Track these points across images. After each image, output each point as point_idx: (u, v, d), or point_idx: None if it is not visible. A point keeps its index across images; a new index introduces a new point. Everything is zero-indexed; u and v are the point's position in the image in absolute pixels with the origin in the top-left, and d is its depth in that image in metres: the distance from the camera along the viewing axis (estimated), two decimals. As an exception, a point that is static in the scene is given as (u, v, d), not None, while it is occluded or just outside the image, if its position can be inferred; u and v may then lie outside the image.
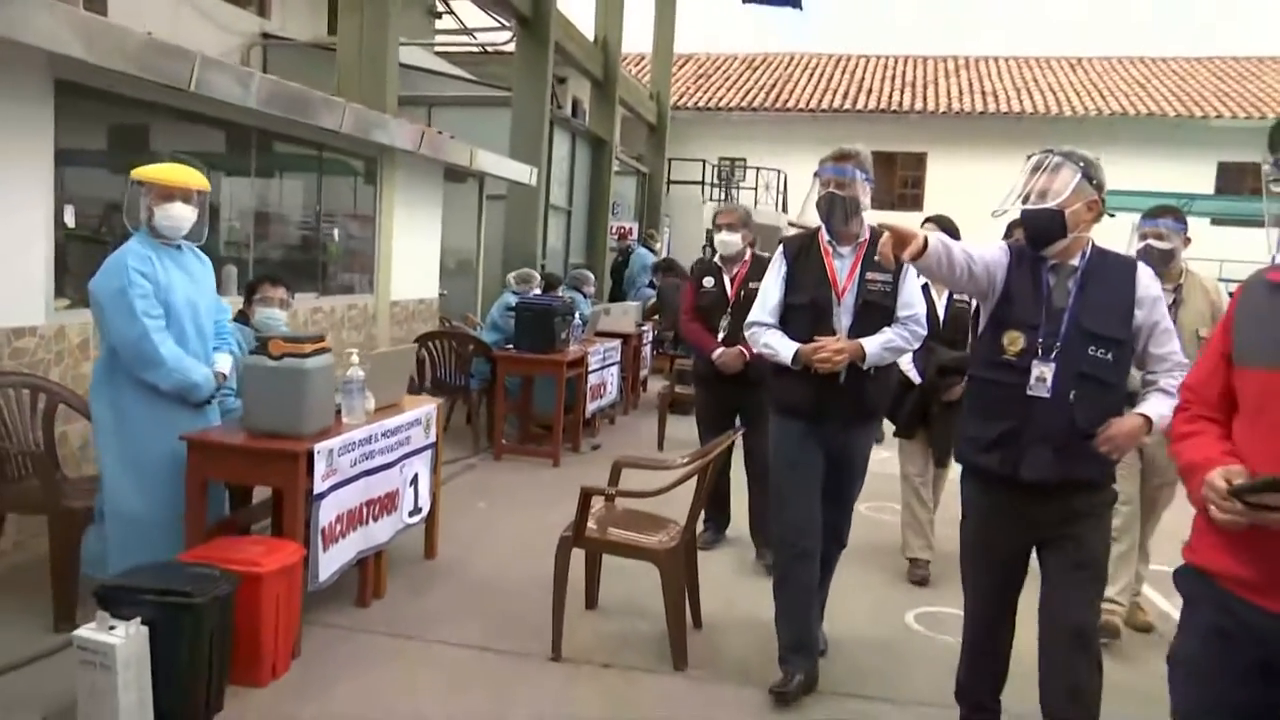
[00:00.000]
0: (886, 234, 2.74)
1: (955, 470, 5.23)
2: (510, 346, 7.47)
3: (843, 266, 3.67)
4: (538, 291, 8.29)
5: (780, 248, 3.86)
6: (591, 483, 4.00)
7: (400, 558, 4.73)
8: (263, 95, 5.68)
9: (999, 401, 2.89)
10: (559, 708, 3.52)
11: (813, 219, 3.82)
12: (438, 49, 14.74)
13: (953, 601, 4.61)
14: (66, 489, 4.06)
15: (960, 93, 23.81)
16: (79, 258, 4.96)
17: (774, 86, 24.98)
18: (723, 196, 21.95)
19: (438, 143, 8.26)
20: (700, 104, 23.97)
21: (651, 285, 13.03)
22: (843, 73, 25.99)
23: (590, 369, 7.76)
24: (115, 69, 4.53)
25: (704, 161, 20.80)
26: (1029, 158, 2.97)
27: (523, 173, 10.35)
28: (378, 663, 3.76)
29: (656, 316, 11.19)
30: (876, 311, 3.62)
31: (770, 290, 3.76)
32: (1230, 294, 2.35)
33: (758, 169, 21.52)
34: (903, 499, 5.16)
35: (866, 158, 3.64)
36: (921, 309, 3.70)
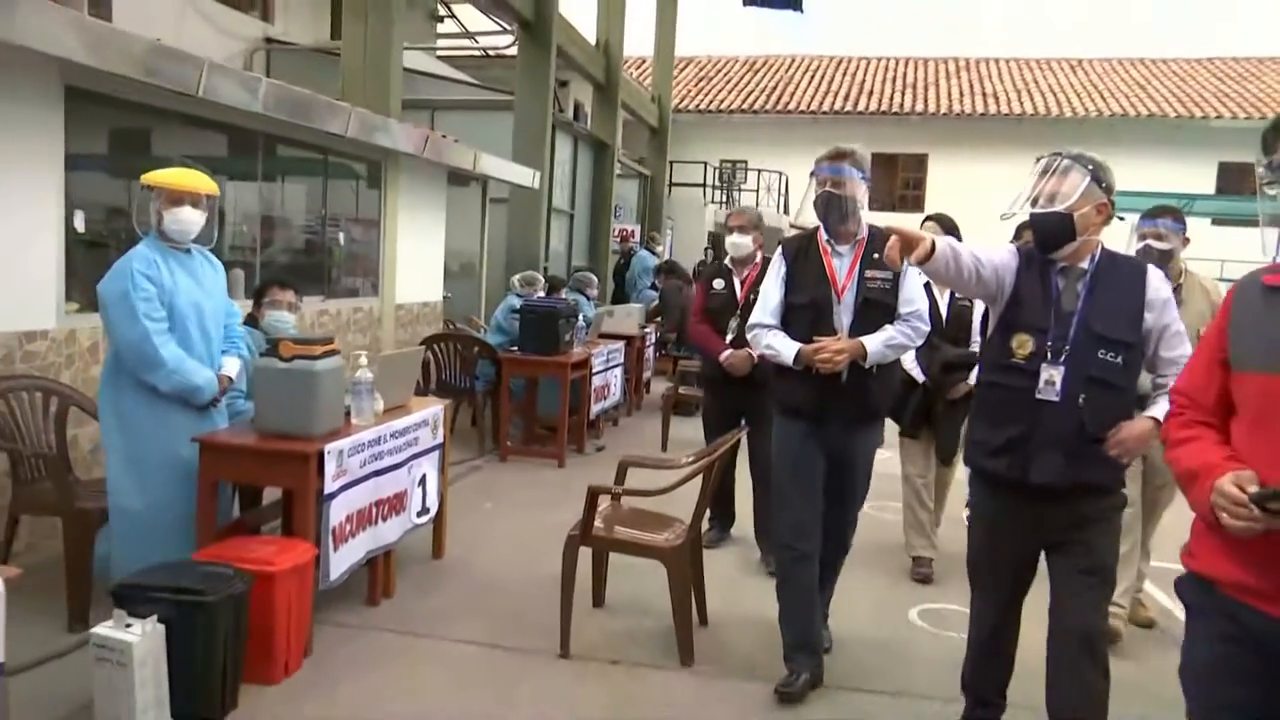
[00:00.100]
0: (893, 237, 2.72)
1: (960, 469, 5.31)
2: (515, 348, 7.52)
3: (842, 265, 3.66)
4: (542, 294, 8.33)
5: (779, 249, 3.86)
6: (596, 483, 4.05)
7: (408, 558, 4.77)
8: (269, 100, 5.74)
9: (1008, 405, 2.88)
10: (567, 703, 3.56)
11: (810, 219, 3.83)
12: (440, 53, 14.80)
13: (956, 598, 4.68)
14: (79, 491, 4.11)
15: (961, 94, 23.86)
16: (88, 262, 5.01)
17: (775, 89, 25.04)
18: (724, 199, 22.02)
19: (442, 146, 8.31)
20: (701, 106, 24.03)
21: (654, 287, 13.08)
22: (843, 75, 26.04)
23: (594, 371, 7.81)
24: (125, 75, 4.58)
25: (705, 164, 20.87)
26: (1038, 160, 2.96)
27: (525, 176, 10.40)
28: (388, 660, 3.81)
29: (659, 318, 11.24)
30: (877, 309, 3.60)
31: (770, 291, 3.77)
32: None
33: (759, 171, 21.60)
34: (904, 499, 5.19)
35: (863, 156, 3.64)
36: (923, 305, 3.68)
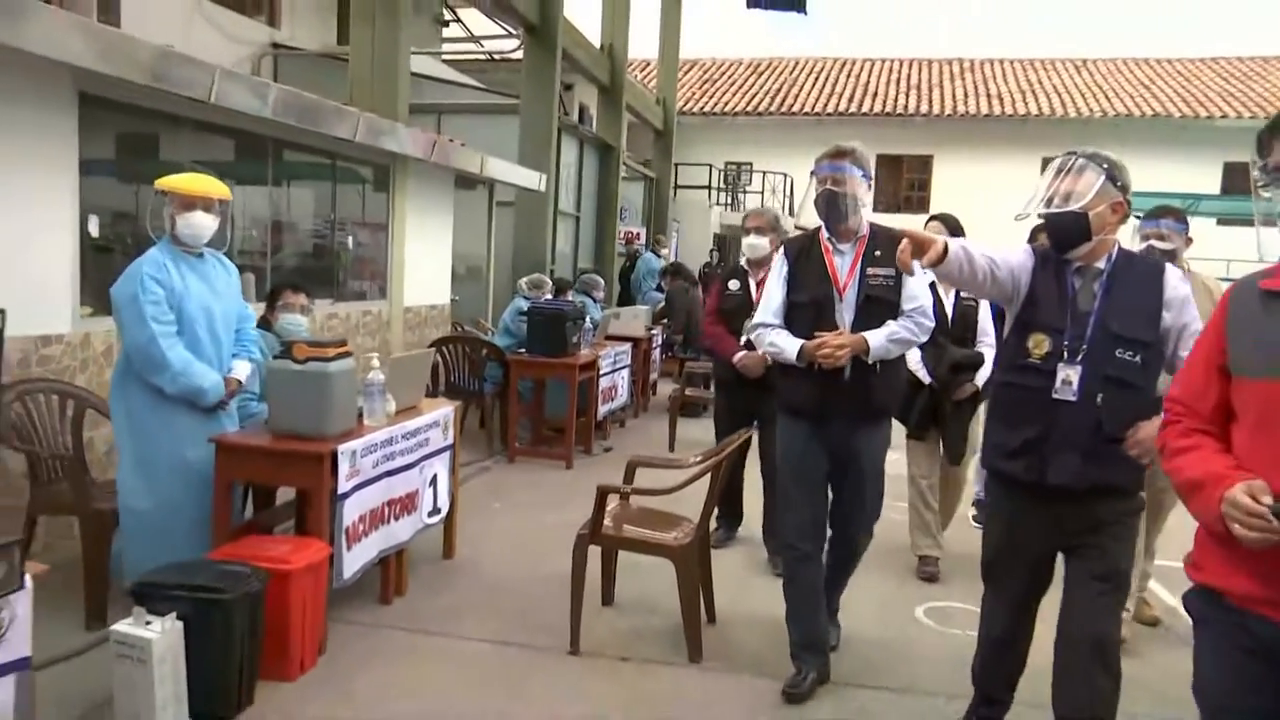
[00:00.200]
0: (904, 240, 2.71)
1: (969, 469, 5.35)
2: (523, 350, 7.57)
3: (843, 263, 3.66)
4: (549, 296, 8.38)
5: (781, 249, 3.88)
6: (604, 484, 4.09)
7: (419, 558, 4.82)
8: (279, 106, 5.80)
9: (1024, 406, 2.86)
10: (578, 698, 3.61)
11: (811, 219, 3.85)
12: (446, 57, 14.86)
13: (961, 596, 4.72)
14: (95, 492, 4.17)
15: (965, 95, 23.89)
16: (102, 266, 5.07)
17: (779, 91, 25.10)
18: (729, 201, 22.09)
19: (449, 151, 8.37)
20: (706, 109, 24.10)
21: (659, 289, 13.13)
22: (848, 76, 26.09)
23: (601, 372, 7.86)
24: (138, 81, 4.65)
25: (710, 166, 20.96)
26: (1053, 160, 2.94)
27: (532, 179, 10.45)
28: (401, 657, 3.86)
29: (665, 320, 11.29)
30: (880, 306, 3.59)
31: (773, 291, 3.78)
32: None
33: (764, 173, 21.65)
34: (909, 500, 5.22)
35: (863, 155, 3.64)
36: (927, 301, 3.66)
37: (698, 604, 4.05)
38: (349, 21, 8.61)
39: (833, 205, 3.61)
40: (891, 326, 3.57)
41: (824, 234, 3.72)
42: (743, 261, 5.34)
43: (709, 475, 4.00)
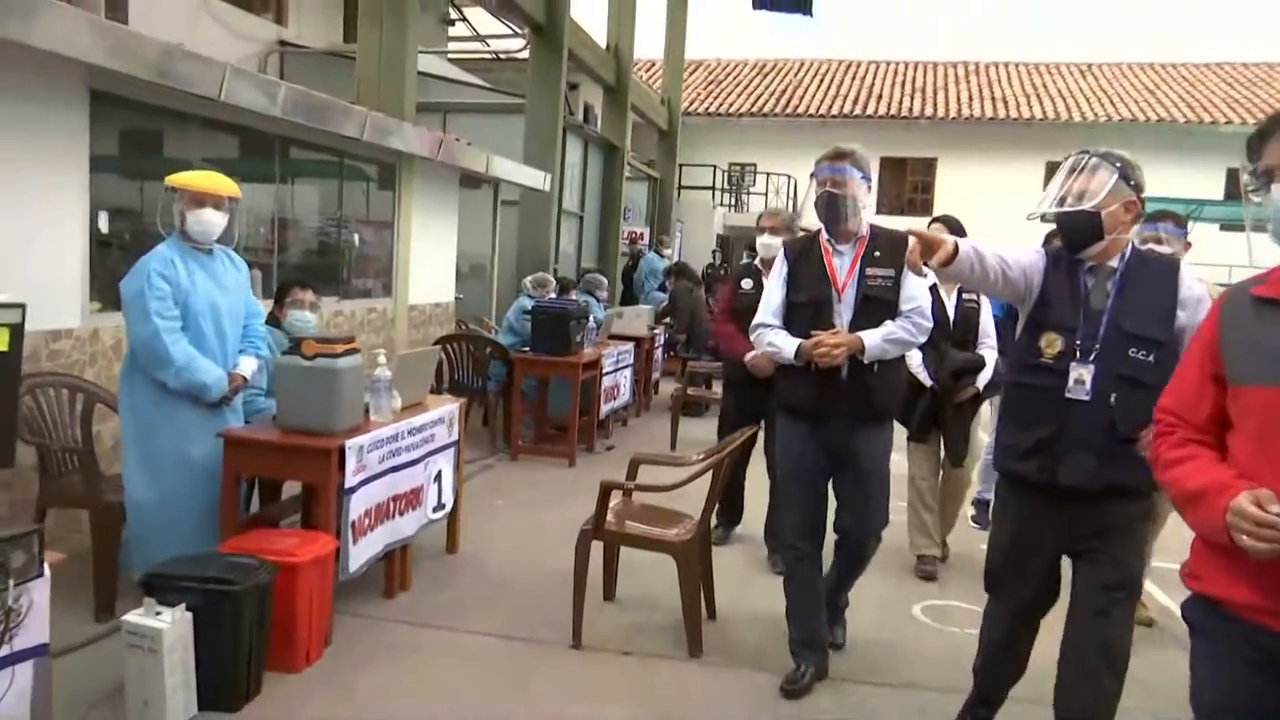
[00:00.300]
0: (913, 241, 2.70)
1: (972, 470, 5.39)
2: (526, 349, 7.62)
3: (842, 264, 3.68)
4: (553, 295, 8.43)
5: (782, 250, 3.91)
6: (607, 480, 4.13)
7: (423, 553, 4.88)
8: (287, 104, 5.85)
9: (1036, 405, 2.84)
10: (581, 690, 3.66)
11: (813, 220, 3.89)
12: (451, 56, 14.91)
13: (958, 595, 4.78)
14: (105, 485, 4.21)
15: (970, 98, 23.91)
16: (111, 262, 5.12)
17: (784, 92, 25.13)
18: (733, 202, 22.14)
19: (455, 150, 8.42)
20: (711, 110, 24.13)
21: (662, 288, 13.18)
22: (852, 78, 26.12)
23: (604, 371, 7.91)
24: (150, 80, 4.70)
25: (714, 167, 21.01)
26: (1066, 159, 2.93)
27: (537, 178, 10.50)
28: (406, 650, 3.91)
29: (668, 319, 11.33)
30: (879, 306, 3.60)
31: (773, 292, 3.81)
32: None
33: (768, 174, 21.71)
34: (909, 500, 5.26)
35: (863, 157, 3.65)
36: (926, 302, 3.67)
37: (698, 600, 4.09)
38: (355, 20, 8.66)
39: (832, 207, 3.63)
40: (889, 327, 3.58)
41: (824, 235, 3.75)
42: (756, 261, 5.37)
43: (710, 473, 4.05)
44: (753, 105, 24.34)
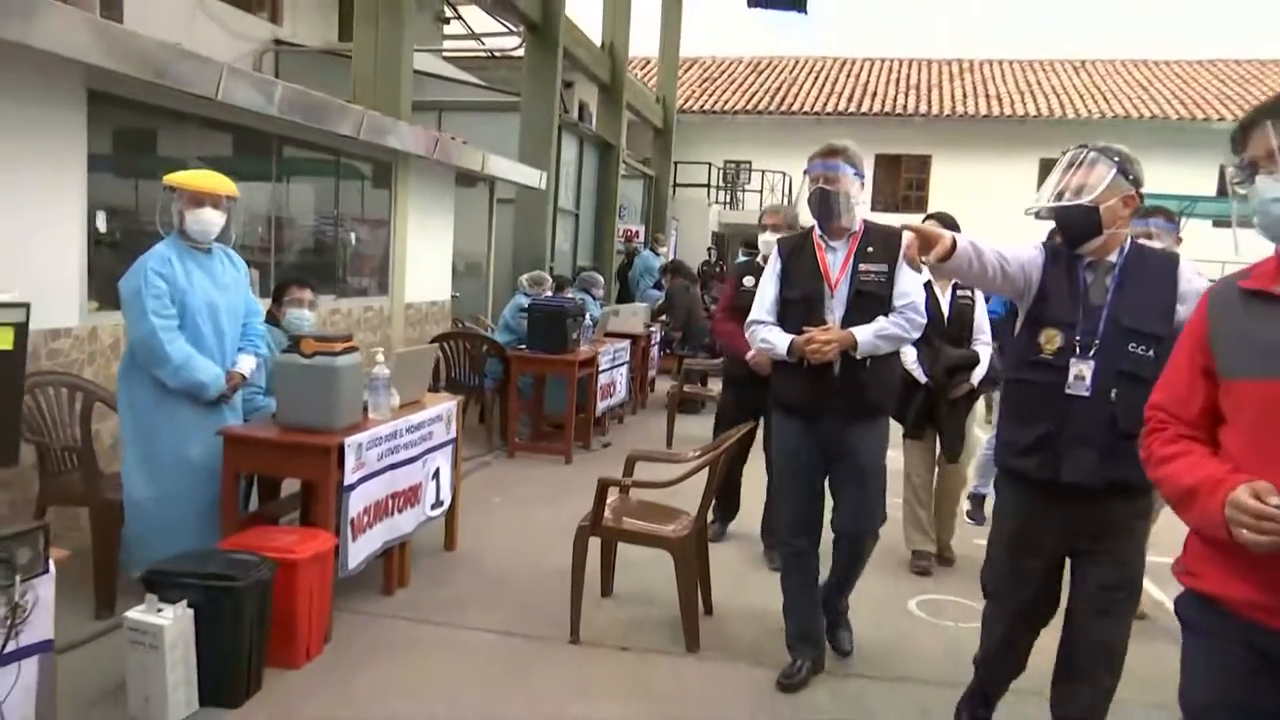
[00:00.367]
0: (910, 236, 2.70)
1: (968, 466, 5.42)
2: (523, 347, 7.65)
3: (835, 260, 3.69)
4: (549, 293, 8.45)
5: (775, 246, 3.93)
6: (605, 476, 4.16)
7: (421, 550, 4.90)
8: (284, 103, 5.87)
9: (1036, 402, 2.82)
10: (579, 685, 3.69)
11: (806, 217, 3.90)
12: (447, 54, 14.92)
13: (952, 590, 4.82)
14: (104, 483, 4.23)
15: (964, 95, 23.95)
16: (109, 261, 5.14)
17: (779, 90, 25.14)
18: (728, 199, 22.16)
19: (451, 148, 8.44)
20: (706, 107, 24.13)
21: (658, 286, 13.20)
22: (847, 76, 26.15)
23: (600, 369, 7.94)
24: (147, 79, 4.71)
25: (710, 165, 21.03)
26: (1064, 153, 2.91)
27: (532, 177, 10.52)
28: (405, 646, 3.94)
29: (664, 317, 11.36)
30: (872, 302, 3.60)
31: (767, 288, 3.82)
32: None
33: (763, 172, 21.74)
34: (904, 496, 5.29)
35: (855, 153, 3.65)
36: (919, 297, 3.66)
37: (695, 595, 4.12)
38: (351, 19, 8.67)
39: (825, 203, 3.64)
40: (881, 322, 3.58)
41: (817, 231, 3.76)
42: (757, 258, 5.38)
43: (707, 469, 4.08)
44: (748, 103, 24.35)
